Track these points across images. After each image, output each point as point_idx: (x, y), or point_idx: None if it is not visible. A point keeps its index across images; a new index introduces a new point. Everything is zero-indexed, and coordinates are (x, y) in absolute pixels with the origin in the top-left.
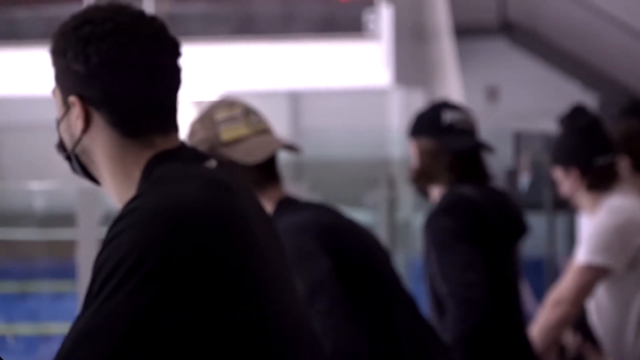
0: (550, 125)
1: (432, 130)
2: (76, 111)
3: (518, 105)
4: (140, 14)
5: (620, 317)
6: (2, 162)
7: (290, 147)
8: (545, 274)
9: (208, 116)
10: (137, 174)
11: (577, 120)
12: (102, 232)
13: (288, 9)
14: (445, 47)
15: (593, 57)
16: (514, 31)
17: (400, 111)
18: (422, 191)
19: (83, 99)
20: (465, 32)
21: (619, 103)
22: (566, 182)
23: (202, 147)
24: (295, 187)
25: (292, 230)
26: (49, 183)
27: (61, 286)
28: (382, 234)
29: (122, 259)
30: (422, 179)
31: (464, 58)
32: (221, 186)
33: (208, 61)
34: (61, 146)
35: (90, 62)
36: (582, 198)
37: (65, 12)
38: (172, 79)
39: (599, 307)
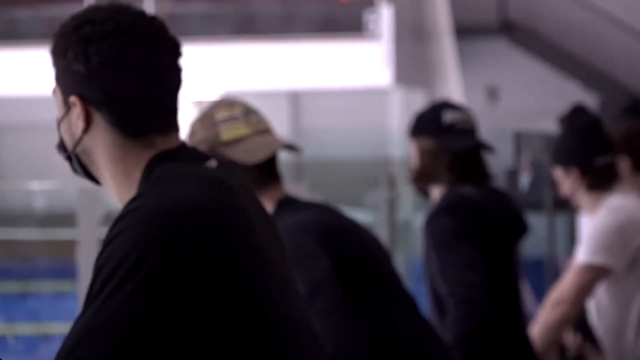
0: (550, 125)
1: (433, 130)
2: (77, 111)
3: (518, 105)
4: (141, 14)
5: (620, 317)
6: (3, 162)
7: (291, 147)
8: (545, 274)
9: (208, 116)
10: (137, 174)
11: (577, 120)
12: (102, 232)
13: (288, 8)
14: (446, 47)
15: (593, 57)
16: (514, 31)
17: (400, 111)
18: (423, 191)
19: (84, 99)
20: (466, 32)
21: (619, 103)
22: (566, 182)
23: (203, 147)
24: (295, 187)
25: (293, 230)
26: (49, 183)
27: (61, 286)
28: (382, 234)
29: (123, 259)
30: (422, 178)
31: (464, 58)
32: (221, 186)
33: (208, 61)
34: (62, 146)
35: (90, 62)
36: (582, 198)
37: (65, 12)
38: (172, 79)
39: (599, 307)
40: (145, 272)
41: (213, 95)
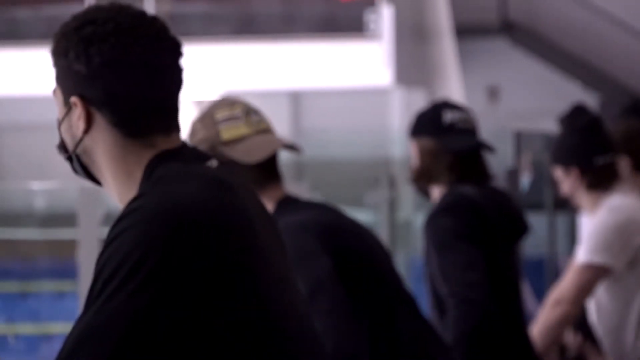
0: (550, 125)
1: (433, 130)
2: (78, 112)
3: (518, 105)
4: (142, 14)
5: (620, 316)
6: (3, 162)
7: (291, 147)
8: (545, 273)
9: (209, 115)
10: (138, 174)
11: (577, 119)
12: (102, 231)
13: (289, 8)
14: (446, 47)
15: (593, 57)
16: (514, 31)
17: (400, 111)
18: (423, 191)
19: (84, 100)
20: (466, 32)
21: (619, 103)
22: (566, 181)
23: (203, 147)
24: (295, 187)
25: (293, 229)
26: (49, 183)
27: (62, 286)
28: (382, 234)
29: (124, 259)
30: (422, 178)
31: (464, 58)
32: (222, 186)
33: (209, 61)
34: (62, 147)
35: (91, 62)
36: (582, 197)
37: (66, 12)
38: (173, 79)
39: (599, 307)
40: (146, 272)
41: (213, 95)
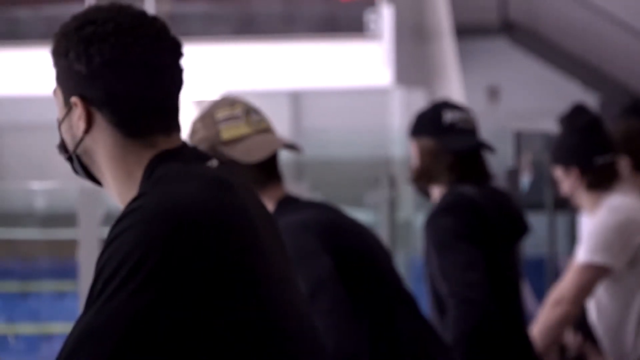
0: (551, 125)
1: (433, 130)
2: (78, 112)
3: (519, 105)
4: (142, 14)
5: (620, 316)
6: (3, 162)
7: (291, 147)
8: (546, 273)
9: (209, 115)
10: (138, 174)
11: (577, 119)
12: (103, 231)
13: (289, 8)
14: (446, 47)
15: (593, 57)
16: (514, 31)
17: (401, 111)
18: (423, 191)
19: (85, 100)
20: (466, 32)
21: (619, 103)
22: (566, 181)
23: (203, 146)
24: (296, 187)
25: (294, 229)
26: (50, 183)
27: (62, 286)
28: (382, 234)
29: (124, 258)
30: (422, 178)
31: (464, 58)
32: (222, 186)
33: (209, 61)
34: (62, 147)
35: (92, 62)
36: (582, 197)
37: (66, 12)
38: (173, 79)
39: (599, 306)
40: (146, 272)
41: (213, 95)
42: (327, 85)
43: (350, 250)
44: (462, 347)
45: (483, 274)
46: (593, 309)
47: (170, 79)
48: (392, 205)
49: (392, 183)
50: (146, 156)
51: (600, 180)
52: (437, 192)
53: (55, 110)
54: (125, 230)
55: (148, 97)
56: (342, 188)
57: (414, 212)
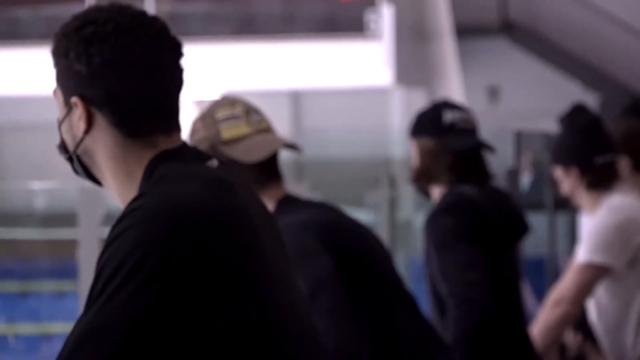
0: (551, 125)
1: (433, 130)
2: (78, 112)
3: (519, 104)
4: (142, 14)
5: (620, 316)
6: (4, 161)
7: (291, 146)
8: (546, 273)
9: (209, 115)
10: (139, 174)
11: (577, 119)
12: (103, 231)
13: (289, 8)
14: (446, 47)
15: (593, 57)
16: (514, 31)
17: (401, 111)
18: (423, 191)
19: (85, 100)
20: (466, 32)
21: (619, 103)
22: (566, 181)
23: (203, 146)
24: (296, 187)
25: (294, 228)
26: (50, 183)
27: (62, 286)
28: (383, 234)
29: (124, 258)
30: (422, 178)
31: (464, 58)
32: (222, 186)
33: (209, 61)
34: (63, 147)
35: (92, 62)
36: (582, 197)
37: (66, 11)
38: (173, 79)
39: (599, 306)
40: (146, 272)
41: (214, 95)
42: (327, 85)
43: (350, 250)
44: (462, 347)
45: (483, 274)
46: (593, 309)
47: (171, 79)
48: (392, 205)
49: (392, 183)
50: (146, 156)
51: (600, 180)
52: (437, 192)
53: (56, 110)
54: (126, 230)
55: (148, 97)
56: (342, 188)
57: (414, 212)
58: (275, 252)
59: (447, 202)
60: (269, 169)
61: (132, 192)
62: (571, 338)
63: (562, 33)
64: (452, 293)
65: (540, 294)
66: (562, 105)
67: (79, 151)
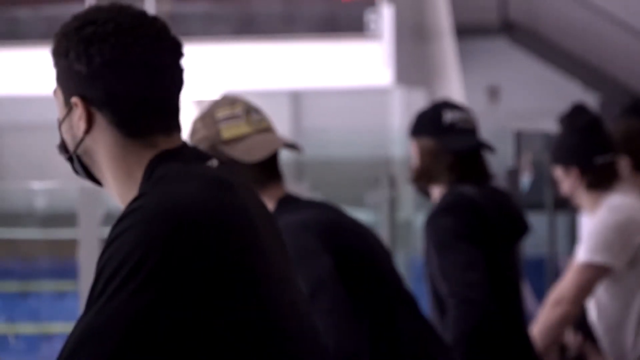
0: (551, 125)
1: (433, 129)
2: (78, 112)
3: (519, 104)
4: (142, 15)
5: (620, 316)
6: (4, 161)
7: (292, 146)
8: (546, 273)
9: (209, 114)
10: (139, 174)
11: (577, 119)
12: (103, 231)
13: (289, 8)
14: (446, 47)
15: (594, 57)
16: (514, 31)
17: (401, 111)
18: (423, 191)
19: (85, 100)
20: (466, 32)
21: (619, 103)
22: (566, 181)
23: (203, 145)
24: (296, 187)
25: (294, 228)
26: (50, 182)
27: (62, 285)
28: (383, 234)
29: (125, 259)
30: (422, 178)
31: (464, 58)
32: (222, 185)
33: (209, 61)
34: (63, 147)
35: (92, 62)
36: (582, 197)
37: (66, 11)
38: (174, 79)
39: (599, 306)
40: (146, 272)
41: (214, 95)
42: (327, 85)
43: (350, 249)
44: (462, 347)
45: (483, 274)
46: (593, 308)
47: (171, 79)
48: (392, 205)
49: (392, 183)
50: (146, 156)
51: (600, 180)
52: (437, 192)
53: (56, 110)
54: (126, 230)
55: (148, 97)
56: (342, 188)
57: (414, 212)
58: (275, 251)
59: (447, 202)
60: (269, 168)
61: (132, 192)
62: (571, 338)
63: (562, 33)
64: (452, 293)
65: (540, 294)
66: (562, 105)
67: (79, 151)
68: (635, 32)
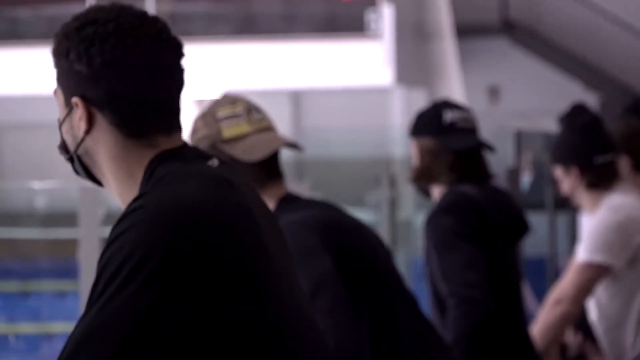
0: (551, 125)
1: (433, 129)
2: (79, 112)
3: (519, 104)
4: (143, 15)
5: (620, 316)
6: (4, 161)
7: (292, 145)
8: (546, 273)
9: (210, 113)
10: (139, 174)
11: (577, 119)
12: (103, 231)
13: (290, 8)
14: (447, 46)
15: (594, 57)
16: (515, 30)
17: (401, 110)
18: (423, 190)
19: (86, 100)
20: (467, 31)
21: (619, 102)
22: (566, 180)
23: (204, 144)
24: (296, 186)
25: (294, 227)
26: (50, 182)
27: (63, 285)
28: (383, 233)
29: (125, 259)
30: (423, 178)
31: (465, 57)
32: (223, 185)
33: (210, 60)
34: (63, 147)
35: (93, 62)
36: (582, 197)
37: (66, 11)
38: (174, 79)
39: (598, 306)
40: (147, 272)
41: (214, 95)
42: (327, 84)
43: (350, 249)
44: (462, 346)
45: (483, 274)
46: (593, 308)
47: (171, 79)
48: (393, 204)
49: (393, 182)
50: (147, 156)
51: (600, 179)
52: (437, 191)
53: (56, 110)
54: (126, 230)
55: (149, 97)
56: (342, 187)
57: (414, 212)
58: (276, 251)
59: (447, 202)
60: (269, 167)
61: (133, 192)
62: (571, 338)
63: (562, 33)
64: (452, 293)
65: (540, 293)
66: (563, 105)
67: (79, 151)
68: (635, 31)
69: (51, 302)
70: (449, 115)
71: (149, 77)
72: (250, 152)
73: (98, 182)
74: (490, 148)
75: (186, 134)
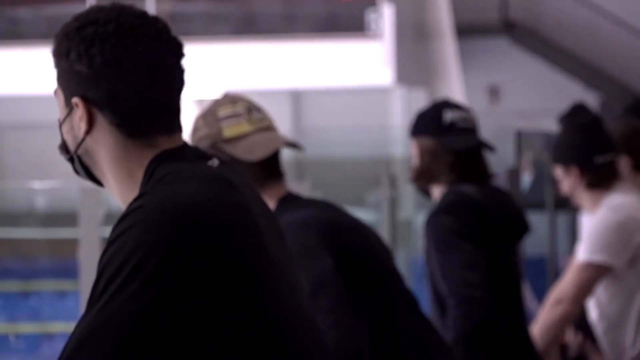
0: (551, 125)
1: (433, 129)
2: (79, 112)
3: (519, 104)
4: (143, 15)
5: (619, 315)
6: (4, 161)
7: (293, 145)
8: (546, 273)
9: (211, 113)
10: (140, 174)
11: (577, 118)
12: (103, 231)
13: (290, 8)
14: (447, 46)
15: (594, 56)
16: (515, 30)
17: (401, 110)
18: (424, 190)
19: (86, 100)
20: (467, 31)
21: (620, 102)
22: (566, 180)
23: (204, 144)
24: (297, 186)
25: (294, 227)
26: (50, 182)
27: (63, 285)
28: (383, 233)
29: (126, 258)
30: (423, 178)
31: (465, 57)
32: (224, 184)
33: (210, 60)
34: (64, 147)
35: (93, 63)
36: (582, 196)
37: (67, 11)
38: (175, 79)
39: (598, 306)
40: (147, 272)
41: (215, 94)
42: (327, 84)
43: (351, 249)
44: (462, 346)
45: (483, 274)
46: (593, 308)
47: (172, 79)
48: (393, 204)
49: (393, 182)
50: (147, 156)
51: (600, 179)
52: (437, 191)
53: (56, 110)
54: (127, 230)
55: (149, 97)
56: (342, 187)
57: (414, 212)
58: (277, 251)
59: (447, 202)
60: (270, 167)
61: (133, 192)
62: (571, 337)
63: (562, 33)
64: (452, 293)
65: (540, 293)
66: (563, 104)
67: (79, 151)
68: (636, 31)
69: (51, 302)
70: (449, 115)
71: (149, 77)
72: (251, 151)
73: (98, 182)
74: (490, 148)
75: (187, 134)
